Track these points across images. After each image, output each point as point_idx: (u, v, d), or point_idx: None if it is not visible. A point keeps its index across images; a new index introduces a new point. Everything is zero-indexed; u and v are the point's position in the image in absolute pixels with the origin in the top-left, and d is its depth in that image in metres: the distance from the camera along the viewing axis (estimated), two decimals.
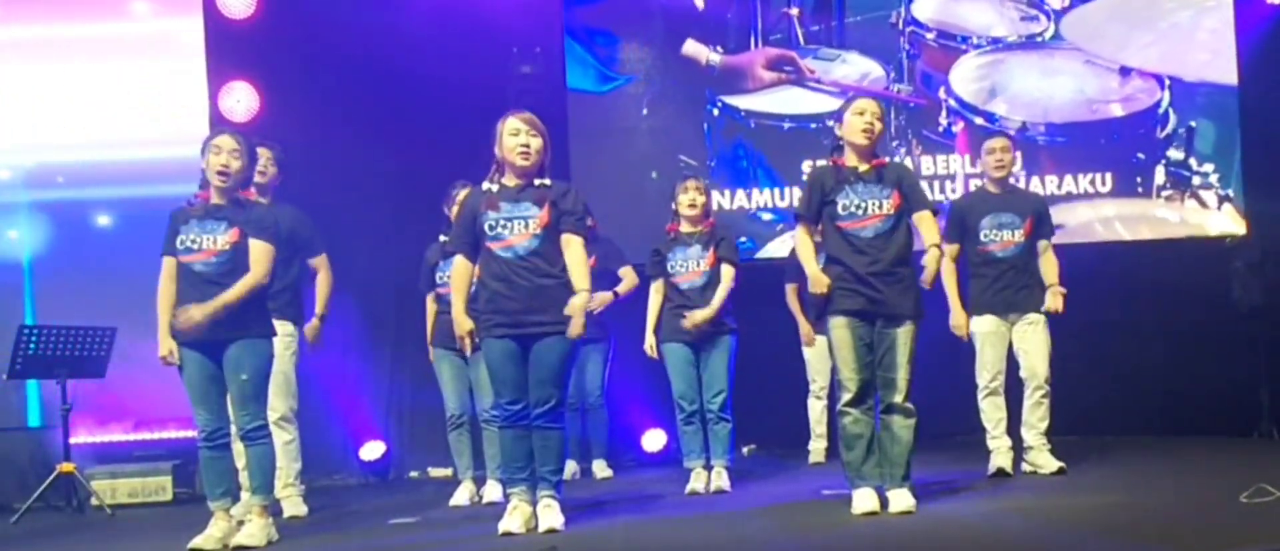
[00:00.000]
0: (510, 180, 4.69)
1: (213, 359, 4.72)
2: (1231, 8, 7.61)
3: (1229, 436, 7.03)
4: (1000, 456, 5.71)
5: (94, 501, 6.50)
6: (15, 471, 7.25)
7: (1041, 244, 5.78)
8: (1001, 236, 5.71)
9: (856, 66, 7.68)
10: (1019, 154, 7.52)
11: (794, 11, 7.69)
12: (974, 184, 7.08)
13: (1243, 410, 7.25)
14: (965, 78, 7.60)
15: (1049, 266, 5.75)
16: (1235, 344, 7.46)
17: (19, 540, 5.79)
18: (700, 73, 7.76)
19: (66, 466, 6.49)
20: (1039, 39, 7.68)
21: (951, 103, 7.56)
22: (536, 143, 4.65)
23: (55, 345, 6.58)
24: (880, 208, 4.66)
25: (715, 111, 7.77)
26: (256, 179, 5.43)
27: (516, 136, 4.64)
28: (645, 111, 7.77)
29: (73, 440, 6.63)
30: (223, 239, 4.71)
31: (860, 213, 4.66)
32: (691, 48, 7.68)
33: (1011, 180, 5.93)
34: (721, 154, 7.77)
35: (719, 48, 7.72)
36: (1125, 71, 7.58)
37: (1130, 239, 7.67)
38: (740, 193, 7.71)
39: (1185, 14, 7.61)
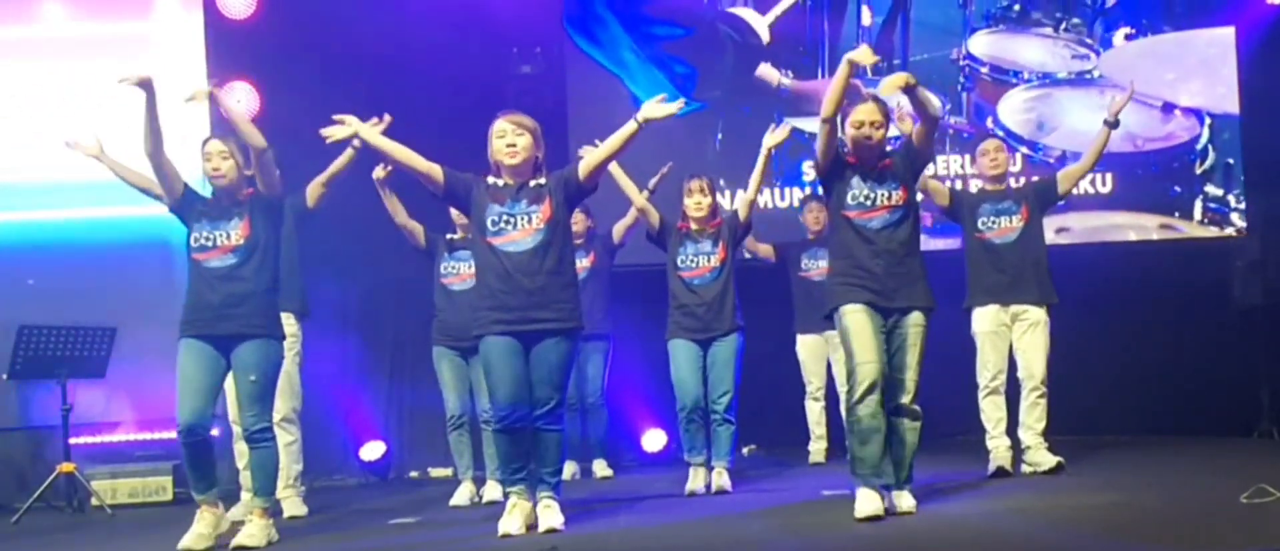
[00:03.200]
0: (508, 179, 4.68)
1: (221, 353, 4.68)
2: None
3: (1229, 436, 7.04)
4: (1000, 456, 5.70)
5: (94, 501, 6.50)
6: (15, 471, 7.25)
7: (1062, 176, 5.82)
8: (999, 223, 5.72)
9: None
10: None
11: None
12: (974, 185, 7.07)
13: (1243, 410, 7.26)
14: (1013, 109, 7.89)
15: (1091, 152, 5.82)
16: (1235, 344, 7.47)
17: (19, 540, 5.79)
18: (769, 99, 7.94)
19: (66, 466, 6.50)
20: (1088, 76, 7.89)
21: (999, 133, 7.68)
22: (523, 140, 4.62)
23: (55, 345, 6.59)
24: (889, 199, 4.61)
25: None
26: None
27: (502, 138, 4.64)
28: (720, 136, 7.96)
29: (73, 440, 6.64)
30: (236, 234, 4.69)
31: (868, 203, 4.61)
32: (764, 71, 8.02)
33: (1010, 179, 5.90)
34: (788, 173, 7.96)
35: (789, 72, 7.92)
36: (1168, 108, 7.77)
37: (1132, 240, 7.69)
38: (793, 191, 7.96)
39: (1213, 51, 7.78)
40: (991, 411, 5.71)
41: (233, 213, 4.72)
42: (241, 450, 5.26)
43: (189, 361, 4.65)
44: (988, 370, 5.72)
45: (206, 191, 4.84)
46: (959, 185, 7.58)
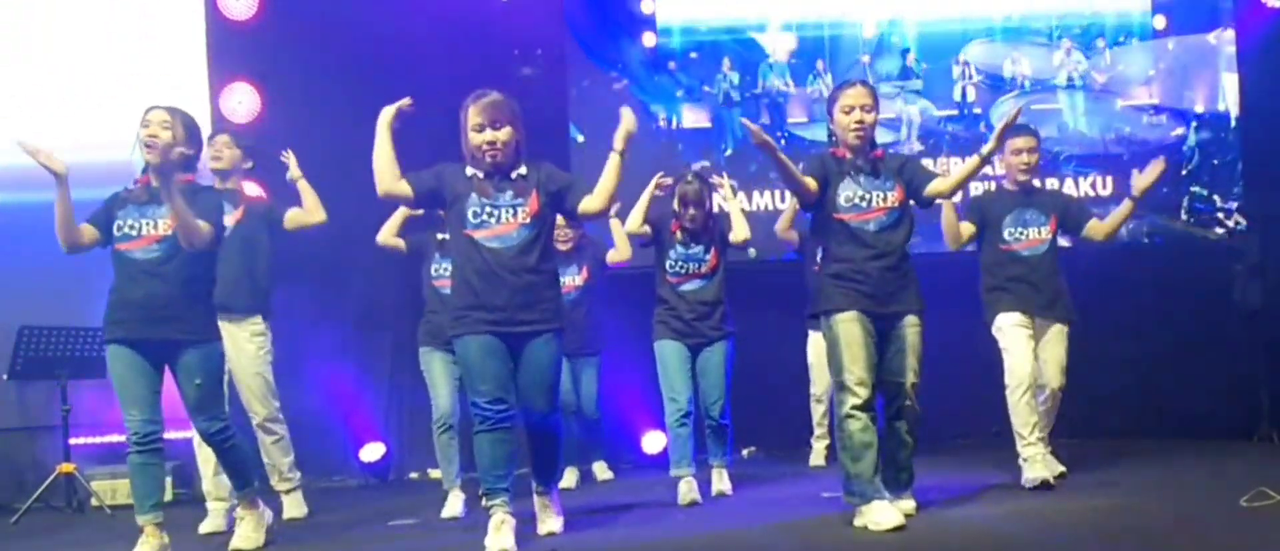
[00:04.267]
0: (489, 169, 4.40)
1: (149, 359, 4.44)
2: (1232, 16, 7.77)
3: (1229, 439, 7.03)
4: (1039, 466, 5.27)
5: (94, 501, 6.51)
6: (15, 471, 7.25)
7: (1090, 223, 5.53)
8: (1027, 234, 5.44)
9: (913, 104, 7.91)
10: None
11: (865, 58, 7.99)
12: (992, 185, 7.02)
13: (1243, 412, 7.25)
14: (1008, 115, 7.88)
15: (1114, 219, 5.49)
16: (1235, 345, 7.47)
17: (19, 540, 5.80)
18: (772, 107, 7.99)
19: (66, 466, 6.51)
20: (1084, 83, 7.98)
21: (1030, 126, 7.74)
22: (503, 135, 4.35)
23: (55, 345, 6.59)
24: (885, 200, 4.50)
25: (783, 140, 7.87)
26: (212, 165, 5.29)
27: (480, 133, 4.36)
28: (726, 146, 7.97)
29: (73, 440, 6.64)
30: (164, 224, 4.39)
31: (864, 205, 4.49)
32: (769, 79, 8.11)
33: (1033, 181, 5.62)
34: None
35: (791, 80, 8.04)
36: (1158, 111, 7.87)
37: (1128, 242, 7.70)
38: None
39: (1208, 54, 7.85)
40: (1026, 414, 5.29)
41: (164, 201, 4.37)
42: (206, 455, 5.17)
43: (123, 369, 4.41)
44: (1018, 370, 5.33)
45: (140, 162, 4.53)
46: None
